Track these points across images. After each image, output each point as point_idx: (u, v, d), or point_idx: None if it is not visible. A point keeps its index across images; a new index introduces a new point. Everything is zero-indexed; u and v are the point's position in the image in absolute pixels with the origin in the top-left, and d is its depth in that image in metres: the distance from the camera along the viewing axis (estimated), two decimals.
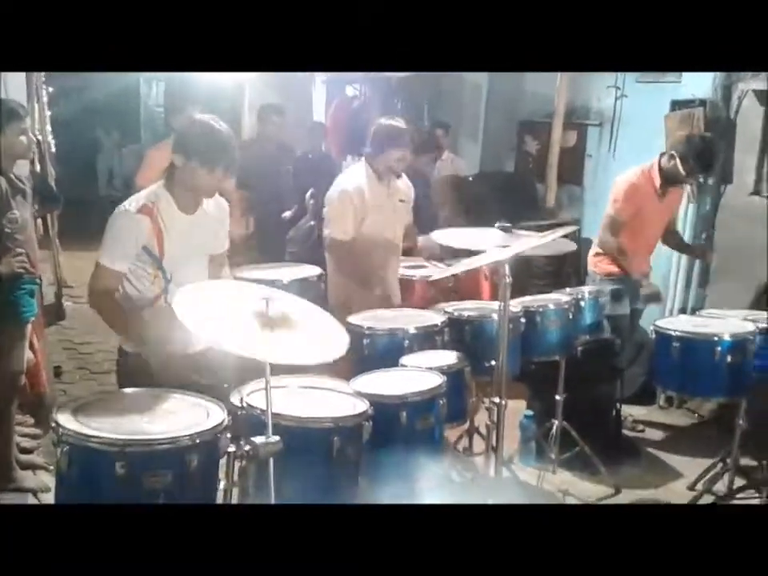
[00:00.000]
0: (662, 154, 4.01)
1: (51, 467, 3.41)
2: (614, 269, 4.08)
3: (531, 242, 2.81)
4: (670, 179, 3.96)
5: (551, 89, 5.52)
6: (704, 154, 3.84)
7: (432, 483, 2.44)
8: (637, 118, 5.22)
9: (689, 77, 4.74)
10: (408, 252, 3.90)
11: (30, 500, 3.26)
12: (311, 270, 3.78)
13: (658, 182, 3.97)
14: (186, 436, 1.92)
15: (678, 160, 3.85)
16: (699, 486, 3.61)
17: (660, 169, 3.96)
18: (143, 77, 12.46)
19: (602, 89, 5.47)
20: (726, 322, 3.46)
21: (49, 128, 5.64)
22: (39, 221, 4.34)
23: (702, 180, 4.39)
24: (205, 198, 2.58)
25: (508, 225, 3.10)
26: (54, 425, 1.93)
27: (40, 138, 5.17)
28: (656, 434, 4.37)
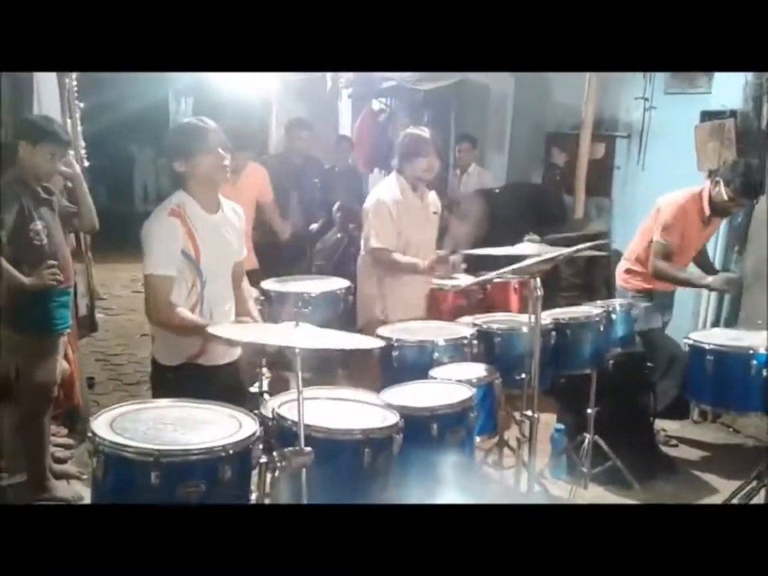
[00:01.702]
0: (711, 180, 3.95)
1: (85, 477, 3.45)
2: (645, 285, 4.04)
3: (562, 250, 2.79)
4: (717, 208, 3.92)
5: (579, 100, 5.50)
6: (749, 180, 3.80)
7: (462, 496, 2.42)
8: (666, 129, 5.17)
9: (718, 88, 4.70)
10: None
11: None
12: (339, 283, 3.79)
13: (707, 210, 3.92)
14: (220, 447, 1.93)
15: (722, 185, 3.81)
16: (734, 503, 3.54)
17: (710, 197, 3.91)
18: (172, 91, 12.63)
19: (631, 100, 5.44)
20: (761, 335, 3.40)
21: (82, 143, 5.73)
22: (72, 234, 4.41)
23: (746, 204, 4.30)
24: (222, 182, 2.61)
25: (537, 237, 3.10)
26: (90, 434, 1.95)
27: (73, 153, 5.25)
28: (690, 450, 4.30)
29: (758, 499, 3.44)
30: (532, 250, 2.93)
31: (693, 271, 4.08)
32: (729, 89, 4.59)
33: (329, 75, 7.74)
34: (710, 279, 3.91)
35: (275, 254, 4.87)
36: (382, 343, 2.28)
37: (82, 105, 5.69)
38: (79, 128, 5.70)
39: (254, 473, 2.07)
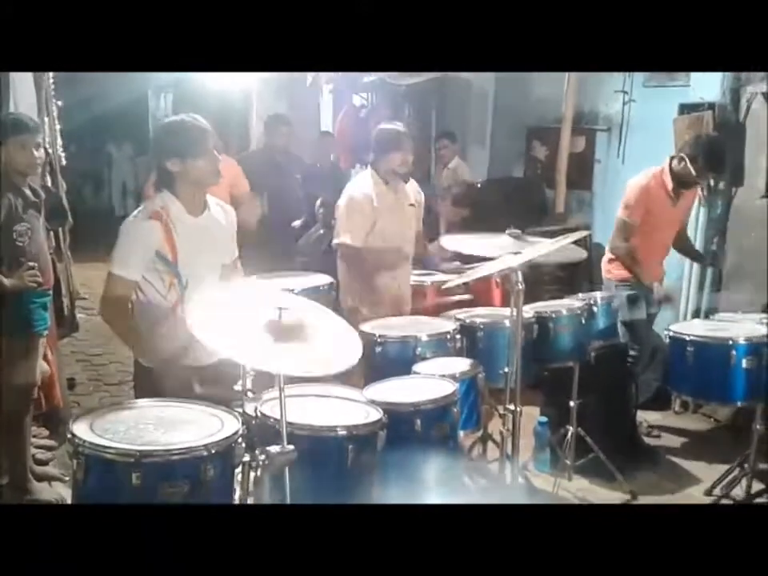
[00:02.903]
0: (672, 157, 4.00)
1: (67, 478, 3.42)
2: (628, 274, 4.06)
3: (542, 249, 2.81)
4: (681, 182, 3.94)
5: (559, 94, 5.52)
6: (713, 153, 3.83)
7: (447, 491, 2.43)
8: (645, 122, 5.20)
9: (697, 80, 4.73)
10: (417, 258, 3.88)
11: None
12: (322, 279, 3.79)
13: (670, 185, 3.95)
14: (201, 446, 1.92)
15: (687, 161, 3.84)
16: (717, 492, 3.58)
17: (671, 171, 3.95)
18: (151, 89, 12.53)
19: (610, 93, 5.47)
20: (741, 326, 3.43)
21: (59, 141, 5.67)
22: (51, 233, 4.37)
23: (713, 181, 4.36)
24: (211, 185, 2.59)
25: (518, 231, 3.10)
26: (70, 436, 1.93)
27: (51, 151, 5.20)
28: (672, 440, 4.34)
29: (740, 488, 3.48)
30: (513, 244, 2.94)
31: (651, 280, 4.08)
32: (707, 82, 4.62)
33: None
34: (655, 285, 3.99)
35: (258, 250, 4.86)
36: (357, 356, 2.22)
37: (59, 103, 5.63)
38: (57, 126, 5.65)
39: (237, 471, 2.06)
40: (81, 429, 1.96)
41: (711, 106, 4.55)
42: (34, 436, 3.69)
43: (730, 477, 3.56)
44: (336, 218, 3.60)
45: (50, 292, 3.51)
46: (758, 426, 3.38)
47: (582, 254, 3.37)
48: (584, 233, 3.42)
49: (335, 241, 3.57)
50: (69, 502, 2.24)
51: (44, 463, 3.65)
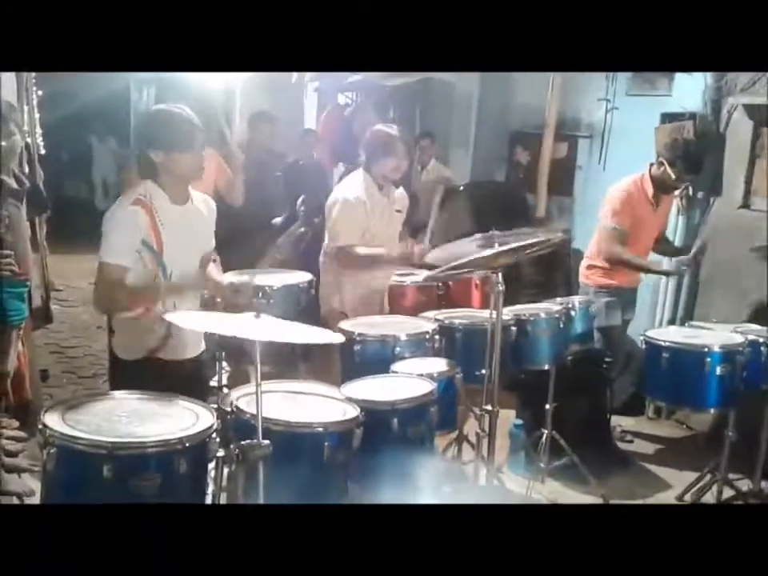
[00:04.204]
0: (651, 164, 4.05)
1: (37, 470, 3.36)
2: (607, 281, 4.10)
3: (517, 242, 2.79)
4: (661, 186, 4.01)
5: (542, 100, 5.54)
6: (689, 156, 3.91)
7: (422, 490, 2.43)
8: (627, 130, 5.25)
9: (679, 90, 4.78)
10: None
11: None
12: (301, 276, 3.77)
13: (650, 191, 4.01)
14: (175, 439, 1.90)
15: (665, 165, 3.90)
16: (688, 497, 3.62)
17: (651, 177, 4.01)
18: (133, 81, 12.40)
19: (593, 101, 5.50)
20: (716, 334, 3.47)
21: (39, 130, 5.61)
22: (27, 223, 4.31)
23: (690, 186, 4.42)
24: (194, 180, 2.56)
25: (501, 233, 3.11)
26: (41, 426, 1.90)
27: (29, 140, 5.14)
28: (645, 445, 4.38)
29: (711, 494, 3.52)
30: (494, 246, 2.94)
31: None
32: (688, 92, 4.67)
33: None
34: (664, 266, 4.07)
35: (237, 246, 4.82)
36: (341, 338, 2.29)
37: (40, 92, 5.57)
38: (36, 115, 5.58)
39: (211, 466, 2.04)
40: (52, 419, 1.93)
41: (692, 115, 4.61)
42: (4, 427, 3.63)
43: (701, 483, 3.60)
44: (328, 219, 3.55)
45: (28, 283, 3.46)
46: (729, 433, 3.41)
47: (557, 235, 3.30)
48: (561, 236, 3.41)
49: (337, 244, 3.50)
50: (38, 493, 2.21)
51: (13, 455, 3.59)
